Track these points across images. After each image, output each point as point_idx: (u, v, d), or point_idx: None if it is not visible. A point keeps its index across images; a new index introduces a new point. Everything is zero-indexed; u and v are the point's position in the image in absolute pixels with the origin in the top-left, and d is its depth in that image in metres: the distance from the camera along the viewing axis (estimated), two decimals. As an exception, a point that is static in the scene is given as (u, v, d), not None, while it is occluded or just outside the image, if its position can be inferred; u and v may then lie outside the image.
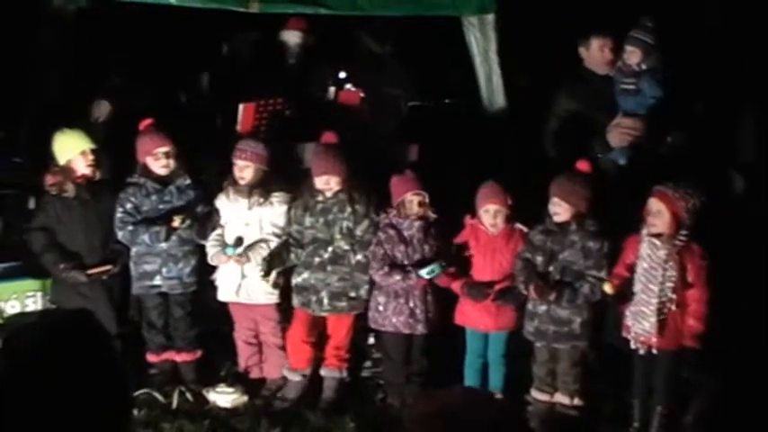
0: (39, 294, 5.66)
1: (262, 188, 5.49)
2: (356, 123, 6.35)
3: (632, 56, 5.61)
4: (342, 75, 6.59)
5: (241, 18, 6.15)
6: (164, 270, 5.54)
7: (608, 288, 4.99)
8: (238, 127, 6.16)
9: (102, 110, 6.44)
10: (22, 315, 5.56)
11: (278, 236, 5.51)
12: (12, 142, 6.44)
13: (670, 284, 4.87)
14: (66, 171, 5.47)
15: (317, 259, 5.44)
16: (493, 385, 5.37)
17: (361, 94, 6.54)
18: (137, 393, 5.26)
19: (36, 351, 2.04)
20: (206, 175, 5.94)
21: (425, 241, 5.36)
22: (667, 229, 4.87)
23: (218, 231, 5.57)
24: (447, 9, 6.33)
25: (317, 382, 5.59)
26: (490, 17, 6.33)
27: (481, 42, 6.38)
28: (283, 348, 5.65)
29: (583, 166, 5.17)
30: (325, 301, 5.46)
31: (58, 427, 1.99)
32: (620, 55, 5.71)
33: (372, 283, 5.45)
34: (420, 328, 5.39)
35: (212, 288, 5.65)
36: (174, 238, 5.48)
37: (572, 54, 6.02)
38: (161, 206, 5.53)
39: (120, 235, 5.51)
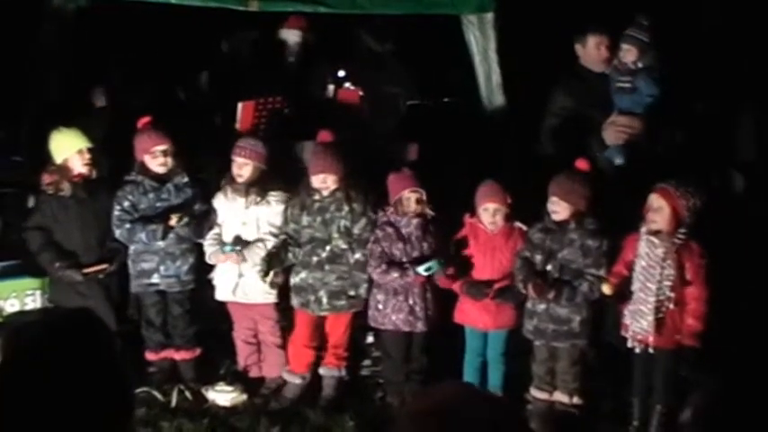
0: (38, 293, 5.66)
1: (259, 187, 5.49)
2: (355, 122, 6.36)
3: (628, 54, 5.60)
4: (341, 73, 6.59)
5: (240, 16, 6.15)
6: (161, 268, 5.53)
7: (607, 288, 4.99)
8: (237, 125, 6.16)
9: (100, 96, 6.49)
10: (21, 313, 5.56)
11: (275, 235, 5.50)
12: (11, 141, 6.45)
13: (668, 283, 4.86)
14: (63, 170, 5.47)
15: (314, 258, 5.43)
16: (492, 384, 5.37)
17: (361, 93, 6.54)
18: (136, 392, 5.25)
19: (36, 349, 2.04)
20: (205, 173, 5.95)
21: (424, 239, 5.36)
22: (667, 226, 4.86)
23: (216, 230, 5.57)
24: (446, 7, 6.34)
25: (316, 381, 5.59)
26: (489, 16, 6.33)
27: (480, 41, 6.38)
28: (282, 347, 5.65)
29: (582, 164, 5.16)
30: (324, 300, 5.45)
31: (59, 426, 1.99)
32: (616, 53, 5.71)
33: (371, 282, 5.45)
34: (420, 326, 5.39)
35: (211, 286, 5.65)
36: (171, 236, 5.48)
37: (570, 52, 6.02)
38: (158, 204, 5.53)
39: (117, 233, 5.51)
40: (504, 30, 6.37)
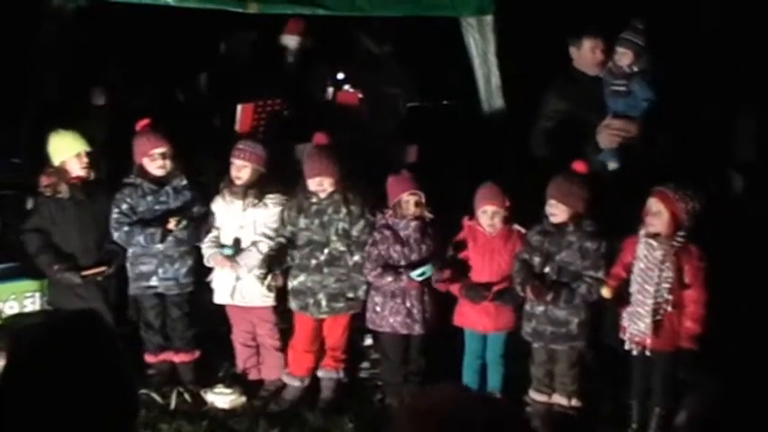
0: (37, 295, 5.66)
1: (257, 190, 5.48)
2: (354, 124, 6.36)
3: (623, 57, 5.59)
4: (340, 75, 6.60)
5: (239, 18, 6.15)
6: (160, 271, 5.53)
7: (606, 292, 4.98)
8: (237, 127, 6.16)
9: (100, 97, 6.50)
10: (20, 316, 5.56)
11: (270, 238, 5.49)
12: (11, 143, 6.45)
13: (666, 285, 4.86)
14: (61, 172, 5.47)
15: (313, 261, 5.43)
16: (491, 386, 5.38)
17: (360, 95, 6.55)
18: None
19: (40, 351, 2.04)
20: (204, 175, 5.94)
21: (422, 241, 5.36)
22: (665, 229, 4.86)
23: (214, 233, 5.57)
24: (446, 10, 6.34)
25: (315, 383, 5.59)
26: (489, 18, 6.33)
27: (480, 43, 6.38)
28: (281, 350, 5.65)
29: (580, 167, 5.16)
30: (323, 303, 5.45)
31: (63, 428, 1.99)
32: (610, 56, 5.70)
33: (370, 284, 5.45)
34: (417, 329, 5.39)
35: (209, 289, 5.65)
36: (170, 239, 5.47)
37: (568, 55, 6.01)
38: (157, 207, 5.52)
39: (115, 236, 5.50)
40: (504, 32, 6.37)
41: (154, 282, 5.55)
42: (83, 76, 6.63)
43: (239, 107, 6.16)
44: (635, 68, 5.57)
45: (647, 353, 4.94)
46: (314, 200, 5.41)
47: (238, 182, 5.50)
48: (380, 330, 5.50)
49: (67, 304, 5.33)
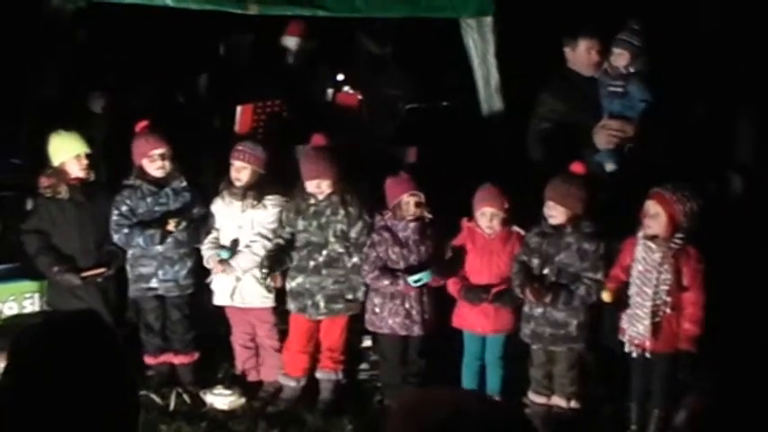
0: (36, 296, 5.66)
1: (256, 191, 5.48)
2: (354, 125, 6.37)
3: (620, 58, 5.56)
4: (340, 77, 6.61)
5: (239, 19, 6.14)
6: (160, 273, 5.53)
7: (606, 296, 4.98)
8: (236, 128, 6.16)
9: (98, 103, 6.49)
10: (19, 316, 5.56)
11: (268, 239, 5.49)
12: (10, 143, 6.45)
13: (665, 287, 4.86)
14: (60, 173, 5.47)
15: (311, 263, 5.43)
16: (490, 388, 5.37)
17: (359, 97, 6.55)
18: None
19: (38, 352, 2.04)
20: (204, 177, 5.95)
21: (421, 242, 5.36)
22: (663, 231, 4.86)
23: (214, 235, 5.57)
24: (445, 11, 6.33)
25: (313, 385, 5.59)
26: (488, 19, 6.33)
27: (479, 45, 6.37)
28: (280, 351, 5.65)
29: (578, 168, 5.16)
30: (322, 304, 5.45)
31: (62, 428, 1.99)
32: (606, 57, 5.69)
33: (368, 285, 5.45)
34: (416, 330, 5.39)
35: (209, 290, 5.65)
36: (169, 240, 5.47)
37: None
38: (156, 208, 5.52)
39: (115, 238, 5.50)
40: (503, 33, 6.37)
41: (154, 283, 5.55)
42: (82, 77, 6.62)
43: (239, 108, 6.16)
44: (631, 69, 5.54)
45: (647, 355, 4.94)
46: (312, 201, 5.41)
47: (238, 183, 5.50)
48: (379, 332, 5.50)
49: (67, 305, 5.33)
